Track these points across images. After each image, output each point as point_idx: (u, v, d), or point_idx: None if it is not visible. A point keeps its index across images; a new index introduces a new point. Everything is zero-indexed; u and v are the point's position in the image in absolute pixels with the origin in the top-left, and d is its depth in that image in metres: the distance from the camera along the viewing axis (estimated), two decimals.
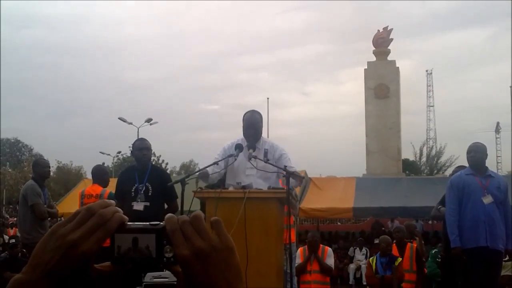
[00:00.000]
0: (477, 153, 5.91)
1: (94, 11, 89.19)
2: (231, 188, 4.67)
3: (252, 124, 5.24)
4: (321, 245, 7.41)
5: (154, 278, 0.93)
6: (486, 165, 6.03)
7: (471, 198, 5.73)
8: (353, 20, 77.42)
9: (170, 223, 0.82)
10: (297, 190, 9.96)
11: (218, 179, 5.14)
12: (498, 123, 47.45)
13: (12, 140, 63.12)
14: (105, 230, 0.80)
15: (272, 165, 4.90)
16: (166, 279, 0.92)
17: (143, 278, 0.93)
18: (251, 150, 4.91)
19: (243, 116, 5.35)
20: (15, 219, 18.74)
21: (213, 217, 0.85)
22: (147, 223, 0.85)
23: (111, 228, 0.81)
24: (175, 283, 0.88)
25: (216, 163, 5.08)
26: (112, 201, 0.85)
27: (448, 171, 31.40)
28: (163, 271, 0.86)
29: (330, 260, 7.21)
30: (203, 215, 0.85)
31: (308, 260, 7.07)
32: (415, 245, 8.01)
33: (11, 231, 16.72)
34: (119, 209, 0.84)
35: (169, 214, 0.85)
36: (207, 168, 4.98)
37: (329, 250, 7.36)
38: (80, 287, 0.82)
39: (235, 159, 4.93)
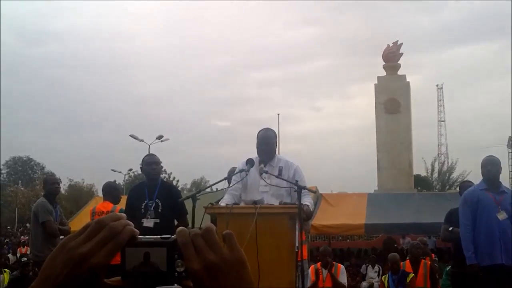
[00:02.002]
0: (493, 167, 5.84)
1: (104, 25, 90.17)
2: (242, 204, 4.64)
3: (265, 140, 5.21)
4: (334, 262, 7.36)
5: None
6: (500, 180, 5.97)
7: (485, 214, 5.65)
8: (363, 34, 77.52)
9: (181, 236, 0.81)
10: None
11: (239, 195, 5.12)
12: (510, 138, 47.03)
13: (24, 158, 63.55)
14: (115, 243, 0.79)
15: (284, 180, 4.87)
16: None
17: None
18: (262, 165, 4.89)
19: (257, 134, 5.33)
20: (26, 237, 18.80)
21: (225, 230, 0.84)
22: (158, 236, 0.84)
23: (122, 241, 0.79)
24: None
25: (227, 178, 5.07)
26: (123, 214, 0.83)
27: None
28: (173, 285, 0.84)
29: (343, 278, 7.16)
30: (214, 228, 0.83)
31: (319, 273, 7.01)
32: (429, 262, 7.93)
33: (23, 250, 16.75)
34: (130, 223, 0.82)
35: (181, 227, 0.83)
36: (229, 190, 5.03)
37: (341, 267, 7.31)
38: None
39: (247, 174, 4.90)
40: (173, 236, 0.82)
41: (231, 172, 5.41)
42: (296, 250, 4.38)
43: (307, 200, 4.85)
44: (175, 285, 0.86)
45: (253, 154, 5.22)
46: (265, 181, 4.86)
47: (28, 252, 11.27)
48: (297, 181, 4.85)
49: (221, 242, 0.82)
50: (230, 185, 5.08)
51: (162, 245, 0.82)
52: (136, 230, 0.82)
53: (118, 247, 0.79)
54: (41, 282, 0.78)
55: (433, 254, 9.26)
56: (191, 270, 0.79)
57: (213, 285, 0.78)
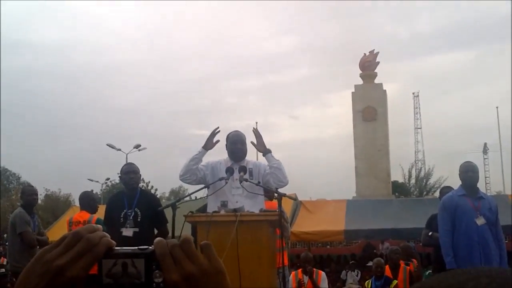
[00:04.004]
0: (474, 173, 5.92)
1: (79, 37, 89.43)
2: (222, 212, 4.64)
3: (238, 139, 5.28)
4: (314, 269, 7.37)
5: None
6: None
7: (464, 219, 5.71)
8: (340, 43, 78.09)
9: (159, 247, 0.80)
10: (288, 214, 9.94)
11: (196, 181, 5.19)
12: (485, 144, 47.75)
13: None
14: (92, 255, 0.78)
15: (264, 188, 4.93)
16: None
17: None
18: (242, 173, 4.90)
19: (227, 136, 5.36)
20: (2, 248, 18.49)
21: (203, 241, 0.84)
22: (136, 247, 0.83)
23: (99, 253, 0.78)
24: None
25: (206, 186, 5.08)
26: (100, 226, 0.83)
27: (437, 193, 31.50)
28: None
29: (325, 284, 7.16)
30: (192, 239, 0.83)
31: (301, 282, 7.01)
32: (410, 267, 7.98)
33: (0, 260, 16.47)
34: (107, 234, 0.82)
35: (158, 238, 0.83)
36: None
37: (322, 274, 7.32)
38: None
39: (226, 182, 4.91)
40: (151, 247, 0.82)
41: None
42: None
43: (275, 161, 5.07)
44: None
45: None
46: (244, 187, 4.87)
47: (5, 263, 11.09)
48: (277, 188, 4.89)
49: (199, 253, 0.82)
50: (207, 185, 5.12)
51: (139, 256, 0.81)
52: (113, 242, 0.81)
53: (95, 259, 0.78)
54: None
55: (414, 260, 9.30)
56: (170, 281, 0.78)
57: None
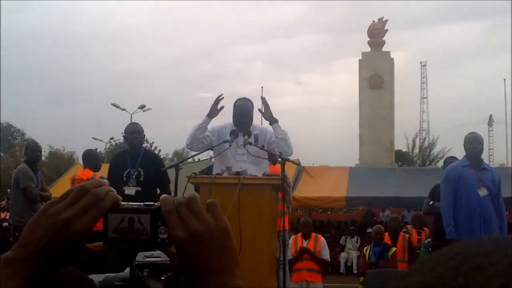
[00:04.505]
0: (479, 144, 5.90)
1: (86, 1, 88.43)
2: (225, 174, 4.66)
3: (245, 112, 5.21)
4: (313, 233, 7.41)
5: (146, 257, 0.91)
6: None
7: (466, 190, 5.72)
8: (349, 10, 77.01)
9: (165, 204, 0.80)
10: (290, 179, 9.99)
11: (203, 148, 5.16)
12: (491, 116, 47.48)
13: (4, 125, 62.75)
14: (98, 209, 0.78)
15: (267, 151, 4.92)
16: (159, 259, 0.90)
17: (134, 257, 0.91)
18: (246, 137, 4.88)
19: (234, 103, 5.30)
20: (6, 202, 18.68)
21: (209, 199, 0.83)
22: (142, 203, 0.83)
23: (105, 207, 0.78)
24: (168, 262, 0.86)
25: (210, 148, 5.08)
26: (106, 181, 0.82)
27: (440, 163, 31.49)
28: (155, 251, 0.84)
29: (325, 252, 7.18)
30: (198, 196, 0.83)
31: (300, 254, 7.01)
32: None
33: (2, 215, 16.66)
34: (113, 189, 0.82)
35: (165, 195, 0.82)
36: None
37: (322, 240, 7.34)
38: (71, 266, 0.80)
39: (230, 145, 4.90)
40: (156, 204, 0.82)
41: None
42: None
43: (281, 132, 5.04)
44: (157, 251, 0.85)
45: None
46: (248, 152, 4.86)
47: (8, 217, 11.23)
48: (280, 153, 4.88)
49: (205, 211, 0.81)
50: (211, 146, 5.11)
51: (145, 212, 0.81)
52: (119, 197, 0.81)
53: (101, 213, 0.78)
54: (21, 247, 0.76)
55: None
56: (175, 237, 0.78)
57: (196, 252, 0.78)
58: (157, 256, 0.91)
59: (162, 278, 0.93)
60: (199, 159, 5.53)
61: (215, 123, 5.32)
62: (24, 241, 0.77)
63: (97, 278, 0.98)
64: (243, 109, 5.22)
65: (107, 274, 1.00)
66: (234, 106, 5.28)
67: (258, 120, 6.04)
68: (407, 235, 8.00)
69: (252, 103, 5.38)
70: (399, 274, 0.50)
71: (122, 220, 0.80)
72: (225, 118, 5.46)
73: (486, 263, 0.44)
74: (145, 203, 0.82)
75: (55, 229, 0.76)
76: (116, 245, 0.81)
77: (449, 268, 0.46)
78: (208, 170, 5.33)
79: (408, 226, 10.20)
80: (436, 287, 0.45)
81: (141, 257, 0.91)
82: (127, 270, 0.96)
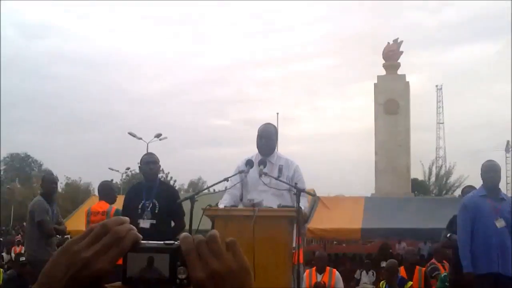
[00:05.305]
0: (496, 173, 5.78)
1: (104, 24, 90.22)
2: (240, 206, 4.64)
3: (265, 134, 5.15)
4: (328, 267, 7.33)
5: None
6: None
7: (483, 221, 5.59)
8: (364, 32, 77.34)
9: (185, 243, 0.79)
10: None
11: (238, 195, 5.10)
12: (508, 142, 46.81)
13: (22, 155, 63.31)
14: (119, 249, 0.78)
15: (283, 182, 4.85)
16: None
17: None
18: (261, 167, 4.85)
19: (258, 129, 5.25)
20: (21, 236, 18.70)
21: (229, 237, 0.83)
22: (161, 242, 0.83)
23: (126, 246, 0.78)
24: None
25: (226, 179, 5.05)
26: (127, 218, 0.82)
27: (457, 192, 31.13)
28: None
29: (340, 286, 7.09)
30: (218, 235, 0.82)
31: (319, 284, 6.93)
32: (424, 268, 7.89)
33: (17, 249, 16.67)
34: (133, 227, 0.81)
35: (185, 234, 0.82)
36: (228, 190, 5.02)
37: (337, 274, 7.25)
38: None
39: (245, 176, 4.89)
40: (176, 242, 0.81)
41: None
42: (293, 251, 4.39)
43: (303, 203, 4.84)
44: None
45: (253, 152, 5.21)
46: (263, 182, 4.83)
47: (23, 251, 11.23)
48: (296, 183, 4.84)
49: (225, 249, 0.81)
50: (228, 187, 5.07)
51: (165, 251, 0.81)
52: (139, 235, 0.81)
53: (122, 253, 0.78)
54: (42, 286, 0.77)
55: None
56: (195, 278, 0.78)
57: None
58: None
59: None
60: (214, 190, 5.51)
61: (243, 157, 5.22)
62: (45, 279, 0.77)
63: None
64: (265, 132, 5.17)
65: None
66: (257, 131, 5.23)
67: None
68: (423, 268, 7.86)
69: (275, 128, 5.35)
70: None
71: (142, 260, 0.80)
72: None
73: None
74: (165, 241, 0.82)
75: (76, 268, 0.76)
76: (135, 285, 0.81)
77: None
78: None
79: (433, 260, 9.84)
80: None
81: None
82: None
